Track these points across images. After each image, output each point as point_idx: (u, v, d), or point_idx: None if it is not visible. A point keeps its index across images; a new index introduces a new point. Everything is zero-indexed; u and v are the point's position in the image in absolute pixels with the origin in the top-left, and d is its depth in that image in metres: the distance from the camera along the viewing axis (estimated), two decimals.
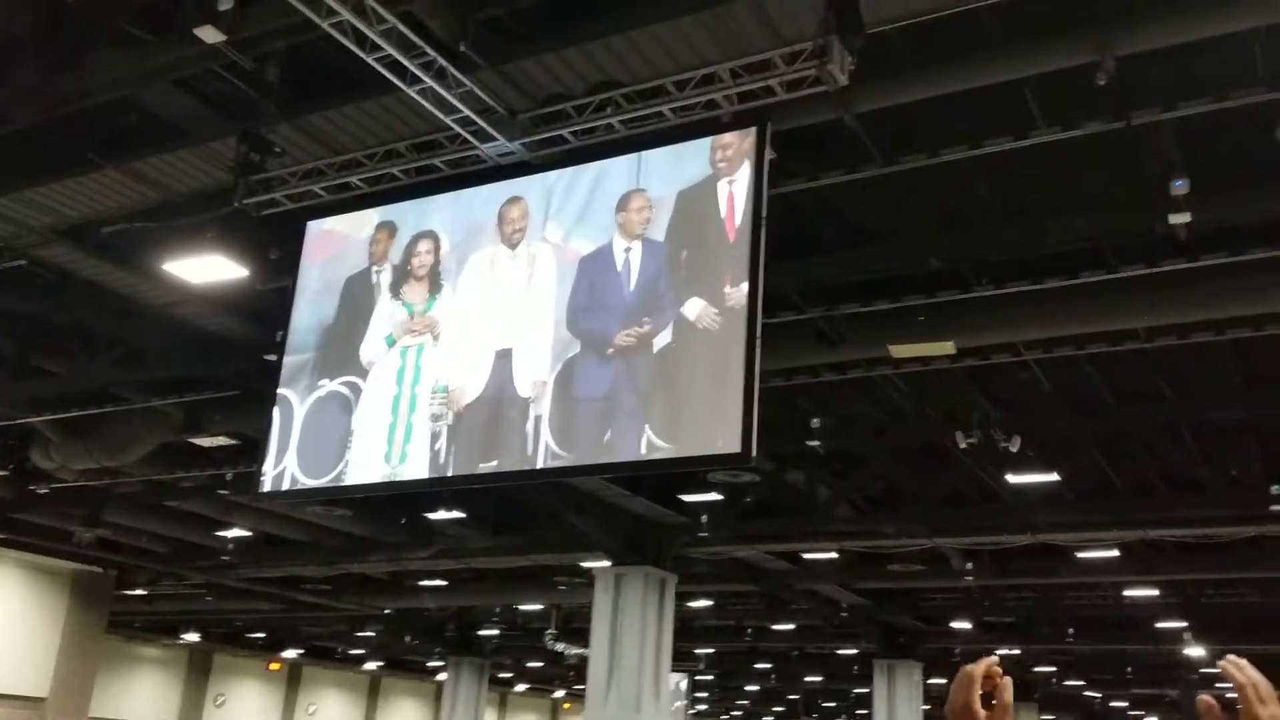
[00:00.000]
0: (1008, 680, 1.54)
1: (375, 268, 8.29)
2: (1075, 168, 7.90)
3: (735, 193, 6.69)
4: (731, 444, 6.09)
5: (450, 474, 7.26)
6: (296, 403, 8.15)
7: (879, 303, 9.28)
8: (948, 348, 9.31)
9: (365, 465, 7.69)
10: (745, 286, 6.36)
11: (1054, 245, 8.30)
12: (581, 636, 19.73)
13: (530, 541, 17.57)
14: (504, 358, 7.28)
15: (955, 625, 23.74)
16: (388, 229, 8.29)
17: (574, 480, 14.02)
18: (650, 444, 6.40)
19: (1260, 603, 19.65)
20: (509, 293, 7.46)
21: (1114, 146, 7.36)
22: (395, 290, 8.12)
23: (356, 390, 7.95)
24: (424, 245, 8.10)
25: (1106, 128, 6.89)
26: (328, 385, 8.08)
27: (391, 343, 7.96)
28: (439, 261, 7.98)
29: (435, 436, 7.39)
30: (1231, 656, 1.54)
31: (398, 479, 7.53)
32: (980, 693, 1.53)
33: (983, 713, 1.51)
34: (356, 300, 8.23)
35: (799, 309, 9.54)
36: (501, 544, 17.81)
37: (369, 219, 8.41)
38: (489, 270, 7.64)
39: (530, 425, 6.85)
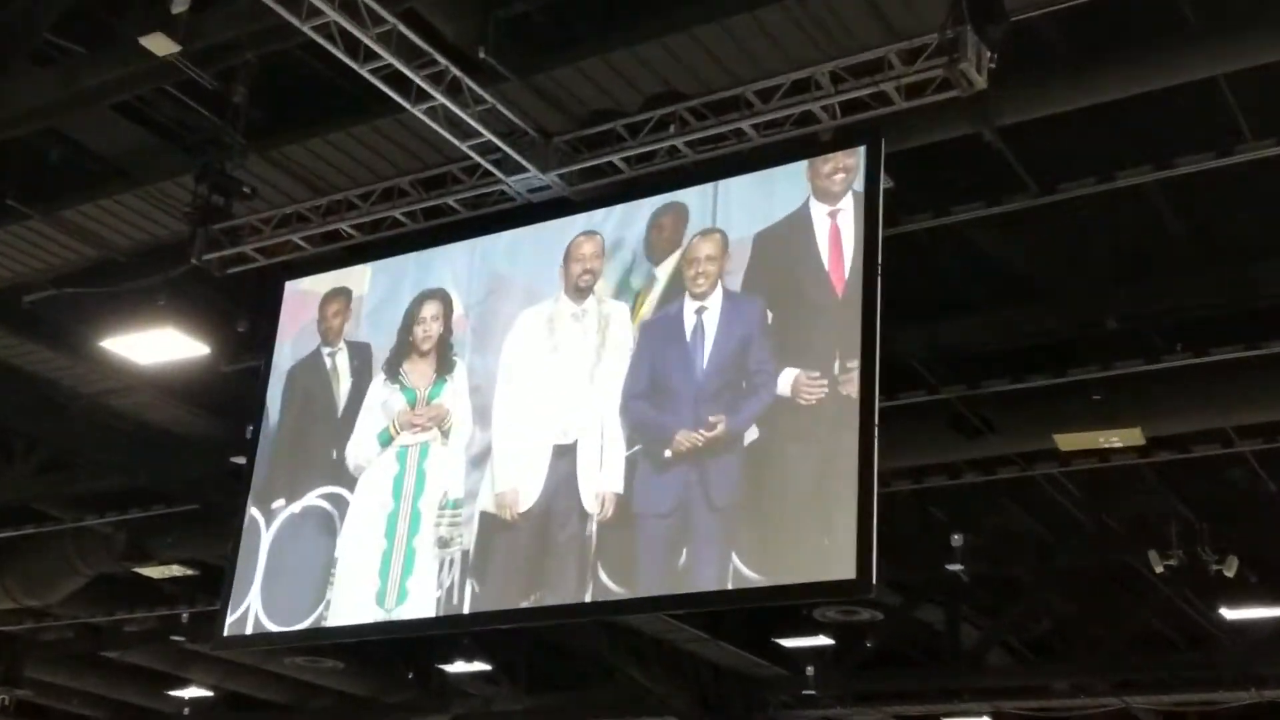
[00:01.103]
0: None
1: (326, 349, 8.38)
2: None
3: (842, 231, 6.64)
4: (844, 569, 5.98)
5: (466, 613, 7.19)
6: (263, 525, 8.17)
7: (1037, 378, 9.13)
8: (1135, 436, 9.15)
9: (353, 606, 7.64)
10: (858, 360, 6.28)
11: (1271, 298, 8.12)
12: None
13: (577, 701, 17.34)
14: (564, 457, 7.20)
15: None
16: (343, 297, 8.41)
17: (633, 619, 13.86)
18: (736, 572, 6.28)
19: None
20: (573, 364, 7.38)
21: None
22: (392, 370, 8.14)
23: (341, 504, 7.92)
24: (430, 309, 8.13)
25: None
26: (303, 499, 8.07)
27: (387, 441, 7.96)
28: (449, 330, 8.00)
29: (444, 567, 7.31)
30: None
31: (396, 619, 7.46)
32: None
33: None
34: (321, 388, 8.29)
35: (930, 387, 9.43)
36: (540, 705, 17.60)
37: (329, 282, 8.54)
38: (545, 332, 7.63)
39: (588, 553, 6.77)
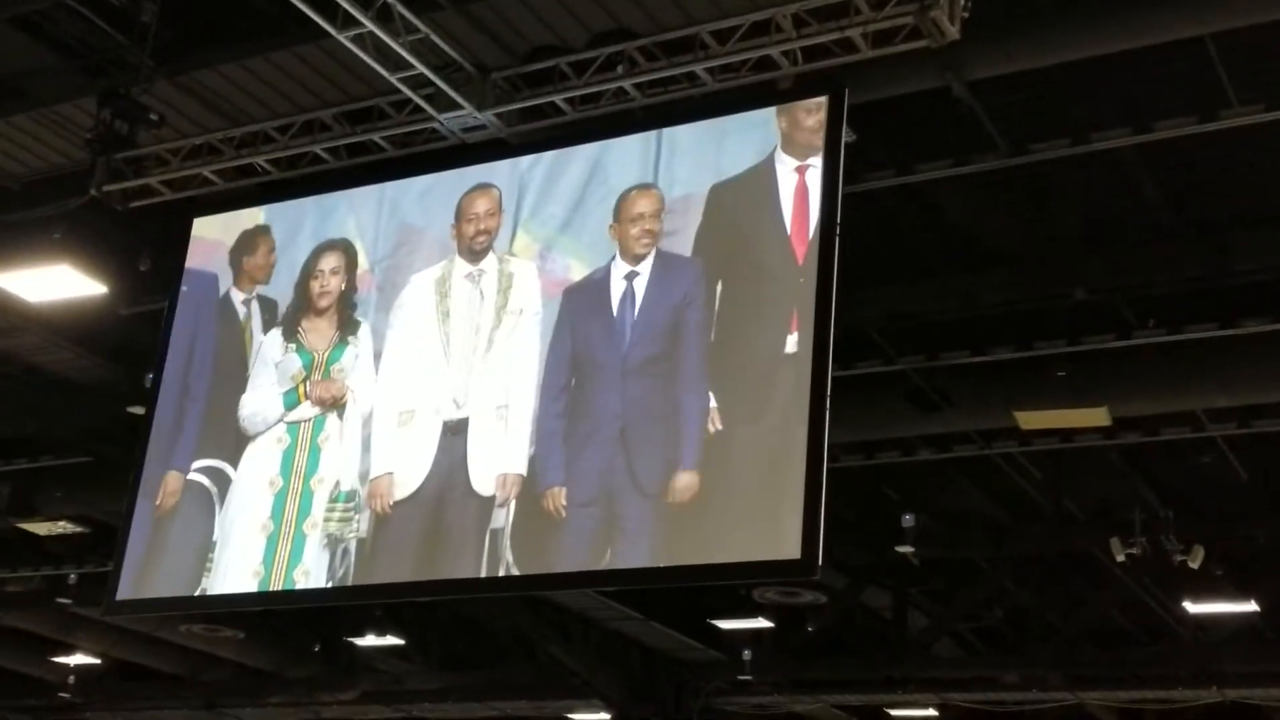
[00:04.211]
0: None
1: (243, 295, 8.26)
2: None
3: (810, 190, 6.60)
4: (788, 549, 6.03)
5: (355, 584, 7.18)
6: (158, 484, 8.08)
7: (999, 350, 9.23)
8: (1099, 417, 9.26)
9: (235, 585, 7.62)
10: (813, 325, 6.31)
11: (1249, 272, 8.25)
12: None
13: (494, 681, 17.41)
14: (455, 436, 7.14)
15: None
16: (265, 237, 8.27)
17: (558, 595, 13.93)
18: (668, 549, 6.30)
19: None
20: (467, 332, 7.33)
21: None
22: (290, 329, 8.05)
23: (223, 481, 7.84)
24: (330, 261, 8.02)
25: None
26: (193, 463, 7.99)
27: (285, 406, 7.87)
28: (352, 286, 7.90)
29: (338, 558, 7.28)
30: None
31: (286, 590, 7.42)
32: None
33: None
34: (234, 341, 8.19)
35: (886, 357, 9.50)
36: (454, 684, 17.65)
37: (244, 220, 8.41)
38: (435, 296, 7.56)
39: (488, 542, 6.73)
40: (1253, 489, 11.68)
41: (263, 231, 8.40)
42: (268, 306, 8.19)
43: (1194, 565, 11.53)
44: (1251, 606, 13.14)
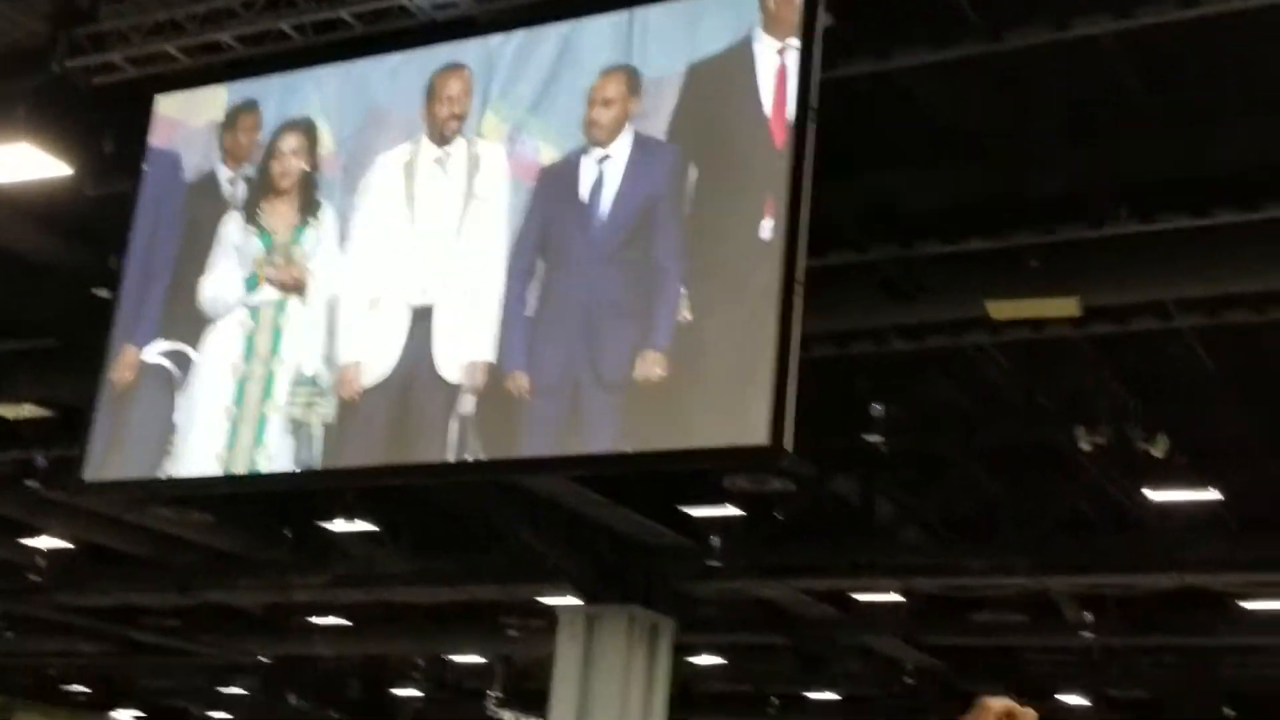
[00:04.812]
0: (1030, 714, 1.65)
1: (229, 173, 8.15)
2: (1266, 51, 7.85)
3: (789, 72, 6.52)
4: (755, 434, 6.07)
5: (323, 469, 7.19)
6: (124, 367, 8.06)
7: (973, 240, 9.24)
8: (1070, 307, 9.30)
9: (198, 468, 7.64)
10: (785, 211, 6.30)
11: (1227, 163, 8.26)
12: (537, 701, 19.84)
13: (466, 567, 17.61)
14: (421, 322, 7.11)
15: (1065, 699, 23.93)
16: (252, 113, 8.15)
17: (528, 481, 14.04)
18: (635, 435, 6.34)
19: None
20: (435, 217, 7.27)
21: None
22: (250, 211, 7.96)
23: (184, 364, 7.81)
24: (290, 142, 7.92)
25: None
26: (156, 346, 7.96)
27: (245, 290, 7.80)
28: (315, 167, 7.81)
29: (303, 442, 7.27)
30: None
31: (253, 474, 7.45)
32: None
33: None
34: (197, 223, 8.10)
35: (859, 247, 9.50)
36: (426, 569, 17.85)
37: (217, 98, 8.28)
38: (403, 180, 7.47)
39: (455, 429, 6.74)
40: (1219, 379, 11.82)
41: (249, 109, 8.24)
42: (246, 185, 8.12)
43: (1158, 454, 11.70)
44: (1214, 495, 13.37)
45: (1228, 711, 23.01)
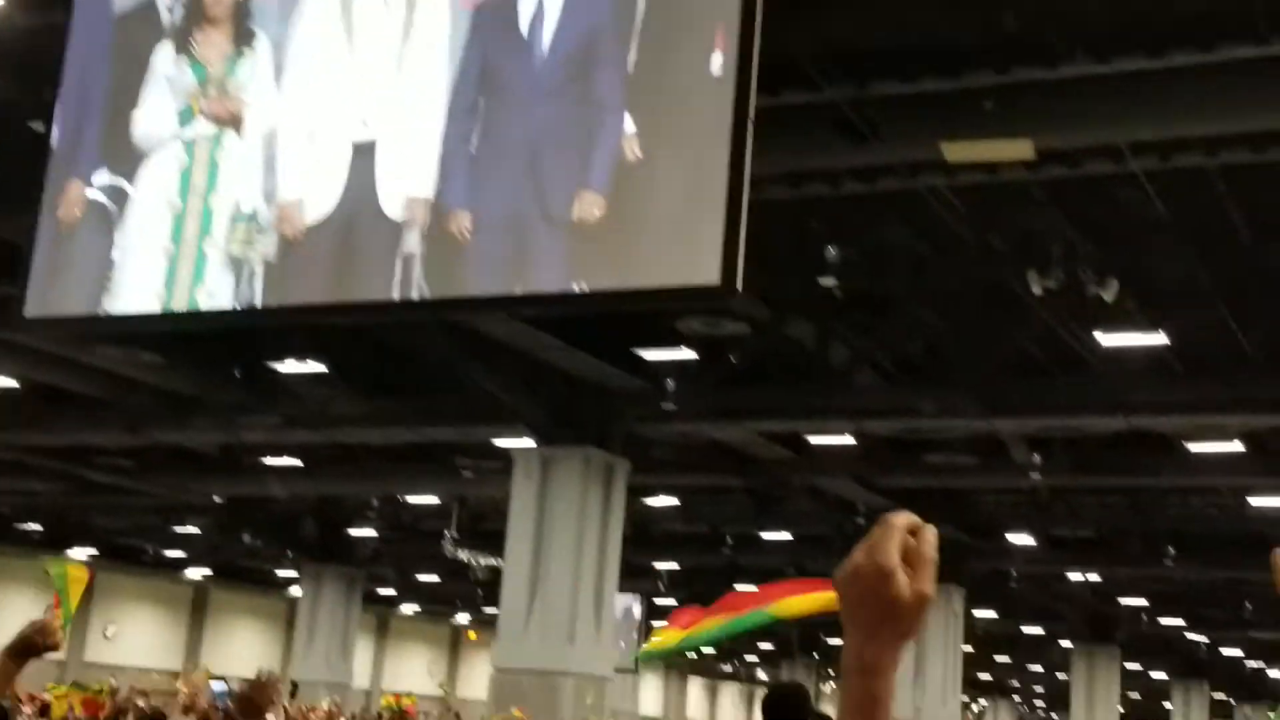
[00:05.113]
0: (930, 532, 1.64)
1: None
2: None
3: None
4: (707, 273, 6.08)
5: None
6: (62, 203, 7.94)
7: (927, 81, 9.19)
8: (1024, 150, 9.31)
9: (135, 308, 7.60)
10: (736, 43, 6.20)
11: (1183, 3, 8.22)
12: (494, 542, 20.12)
13: (421, 409, 17.71)
14: (363, 157, 7.02)
15: (1013, 539, 24.51)
16: None
17: (482, 325, 14.05)
18: (584, 277, 6.32)
19: None
20: (374, 48, 7.11)
21: None
22: (181, 41, 7.73)
23: (121, 199, 7.70)
24: None
25: None
26: (86, 184, 7.82)
27: (179, 123, 7.64)
28: None
29: (244, 280, 7.22)
30: None
31: (194, 309, 7.42)
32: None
33: (905, 577, 1.61)
34: (130, 53, 7.88)
35: (813, 86, 9.44)
36: (380, 411, 17.94)
37: None
38: (339, 10, 7.28)
39: (400, 267, 6.70)
40: (1169, 223, 11.90)
41: None
42: (183, 11, 7.88)
43: (1108, 298, 11.82)
44: (1161, 339, 13.55)
45: (1169, 551, 23.66)
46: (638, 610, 31.77)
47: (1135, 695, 46.57)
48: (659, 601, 34.71)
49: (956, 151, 9.55)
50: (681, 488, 23.19)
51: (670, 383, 15.64)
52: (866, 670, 1.62)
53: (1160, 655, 38.69)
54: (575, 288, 6.33)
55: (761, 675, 54.09)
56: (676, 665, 56.17)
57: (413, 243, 6.68)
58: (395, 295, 6.68)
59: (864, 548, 1.63)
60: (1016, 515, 23.22)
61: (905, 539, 1.64)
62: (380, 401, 17.65)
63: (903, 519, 1.65)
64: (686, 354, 15.16)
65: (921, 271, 13.29)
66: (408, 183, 6.84)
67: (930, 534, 1.64)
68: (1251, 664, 41.61)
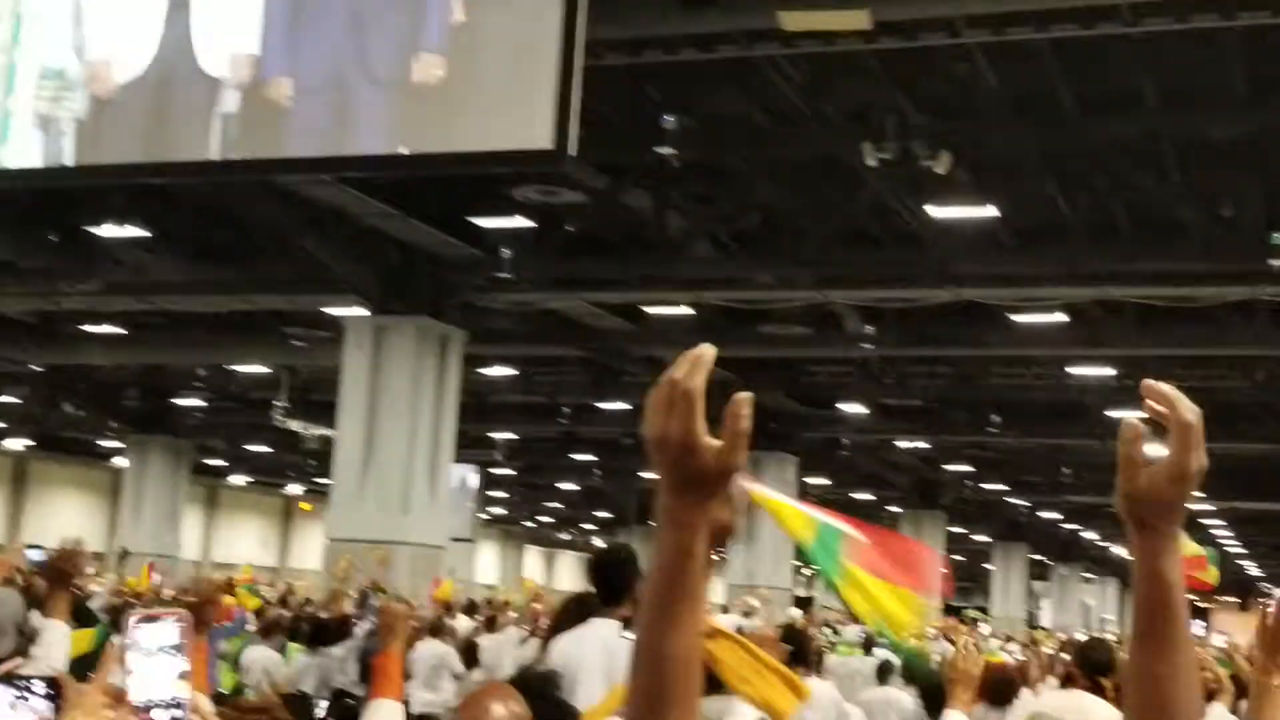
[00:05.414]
0: (744, 404, 1.59)
1: None
2: None
3: None
4: (539, 138, 6.01)
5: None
6: None
7: None
8: (859, 20, 9.32)
9: None
10: None
11: None
12: (326, 412, 19.97)
13: (248, 277, 17.34)
14: (178, 10, 6.75)
15: (844, 408, 25.11)
16: None
17: (310, 190, 13.76)
18: (410, 138, 6.21)
19: (1241, 388, 21.40)
20: None
21: None
22: None
23: None
24: None
25: None
26: None
27: None
28: None
29: (52, 138, 6.93)
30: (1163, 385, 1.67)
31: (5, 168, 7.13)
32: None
33: (710, 444, 1.57)
34: None
35: None
36: (205, 278, 17.52)
37: None
38: None
39: (218, 127, 6.49)
40: (1001, 97, 12.11)
41: None
42: None
43: (940, 171, 12.02)
44: (991, 212, 13.84)
45: (993, 419, 24.48)
46: (474, 480, 31.95)
47: (958, 557, 48.50)
48: (496, 472, 34.97)
49: (794, 21, 9.53)
50: (518, 358, 23.22)
51: (506, 252, 15.51)
52: (677, 524, 1.62)
53: (982, 519, 40.25)
54: (402, 150, 6.21)
55: (599, 543, 54.99)
56: (513, 535, 56.79)
57: (232, 101, 6.46)
58: (214, 155, 6.47)
59: (668, 413, 1.60)
60: (848, 385, 23.74)
61: (700, 403, 1.60)
62: (206, 268, 17.23)
63: (691, 377, 1.60)
64: (523, 223, 15.06)
65: (758, 142, 13.34)
66: (226, 38, 6.60)
67: (743, 406, 1.61)
68: (1068, 527, 43.57)
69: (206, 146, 6.54)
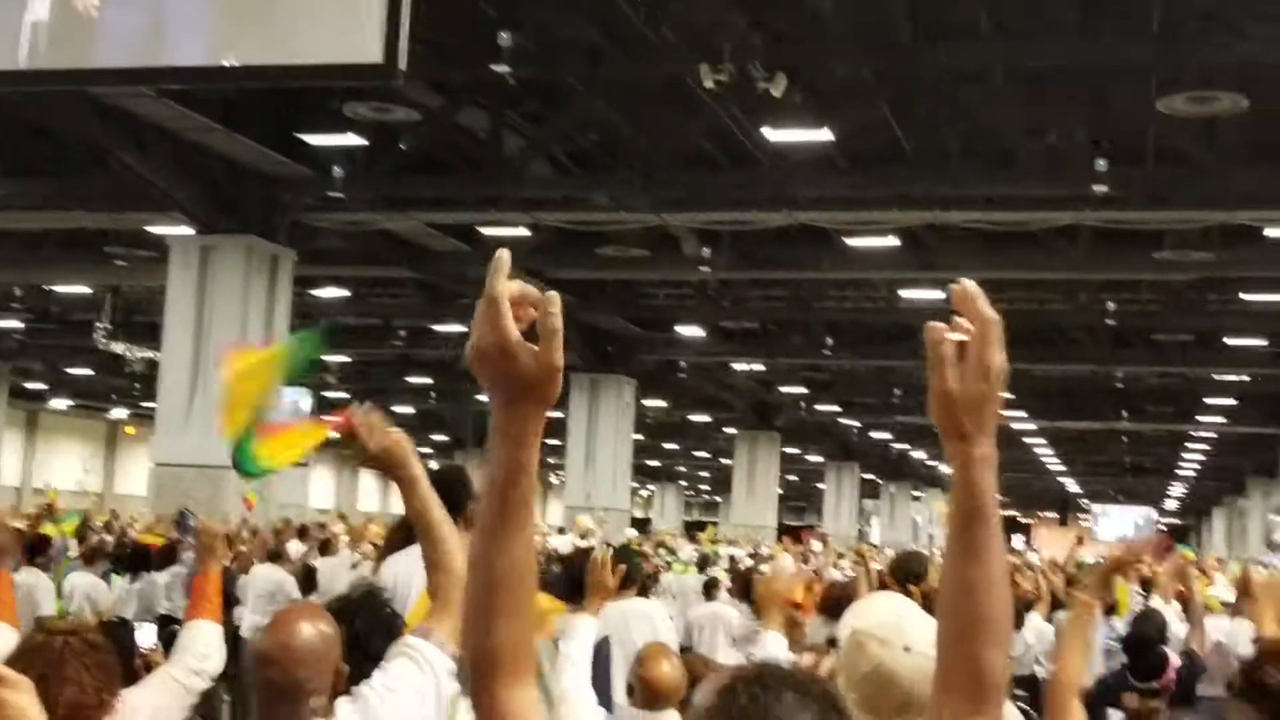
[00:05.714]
0: (551, 302, 1.65)
1: None
2: None
3: None
4: (368, 51, 5.88)
5: None
6: None
7: None
8: None
9: None
10: None
11: None
12: (151, 334, 19.48)
13: (67, 192, 16.74)
14: None
15: (682, 331, 25.31)
16: None
17: (129, 103, 13.29)
18: (233, 49, 6.02)
19: (1063, 310, 22.12)
20: None
21: None
22: None
23: None
24: None
25: None
26: None
27: None
28: None
29: None
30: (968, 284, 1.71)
31: None
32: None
33: (527, 346, 1.62)
34: None
35: None
36: (21, 193, 16.89)
37: None
38: None
39: (27, 36, 6.19)
40: (837, 20, 12.19)
41: None
42: None
43: (776, 94, 12.06)
44: (826, 135, 13.98)
45: (826, 341, 24.91)
46: (306, 404, 31.45)
47: (793, 477, 49.48)
48: (329, 395, 34.53)
49: None
50: (351, 279, 22.89)
51: (338, 170, 15.21)
52: (509, 438, 1.63)
53: (816, 439, 41.08)
54: (224, 62, 6.01)
55: (435, 466, 54.67)
56: (348, 459, 56.22)
57: (41, 9, 6.18)
58: (22, 64, 6.19)
59: (480, 323, 1.61)
60: (686, 308, 23.92)
61: (525, 310, 1.62)
62: (21, 183, 16.58)
63: (507, 286, 1.62)
64: (355, 140, 14.77)
65: (595, 62, 13.24)
66: None
67: (551, 304, 1.62)
68: (898, 446, 44.72)
69: (15, 56, 6.24)
